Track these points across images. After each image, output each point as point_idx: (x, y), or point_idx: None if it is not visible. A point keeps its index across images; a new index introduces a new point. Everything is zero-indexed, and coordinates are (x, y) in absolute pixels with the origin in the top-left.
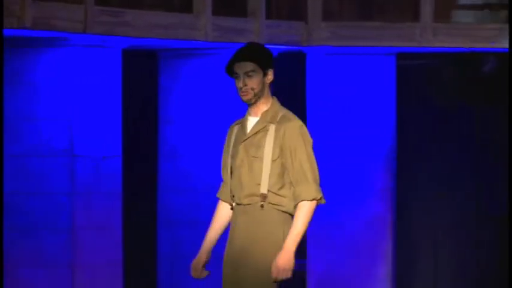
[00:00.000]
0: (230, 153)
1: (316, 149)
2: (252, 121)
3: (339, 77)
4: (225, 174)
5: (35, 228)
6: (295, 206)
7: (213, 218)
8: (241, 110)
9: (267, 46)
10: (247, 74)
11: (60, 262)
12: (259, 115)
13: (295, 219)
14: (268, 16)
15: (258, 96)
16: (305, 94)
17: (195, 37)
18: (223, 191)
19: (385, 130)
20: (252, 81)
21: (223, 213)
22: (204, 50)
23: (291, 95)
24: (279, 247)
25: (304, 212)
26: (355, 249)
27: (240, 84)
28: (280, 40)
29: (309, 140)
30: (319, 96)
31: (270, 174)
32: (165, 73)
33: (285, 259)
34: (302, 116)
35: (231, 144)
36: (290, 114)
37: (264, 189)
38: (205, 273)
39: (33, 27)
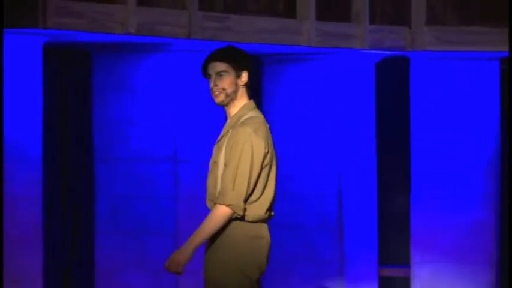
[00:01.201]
0: None
1: (419, 153)
2: (226, 124)
3: (443, 81)
4: None
5: (140, 233)
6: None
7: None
8: (345, 115)
9: (371, 51)
10: (218, 74)
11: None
12: (229, 119)
13: (205, 220)
14: (372, 21)
15: (230, 98)
16: (409, 99)
17: (298, 42)
18: None
19: (488, 135)
20: (223, 82)
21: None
22: (307, 55)
23: (395, 100)
24: (229, 252)
25: (213, 215)
26: (459, 254)
27: (211, 84)
28: (383, 45)
29: (251, 149)
30: (423, 101)
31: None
32: (268, 78)
33: (179, 253)
34: (406, 121)
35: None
36: (250, 120)
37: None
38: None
39: (137, 33)
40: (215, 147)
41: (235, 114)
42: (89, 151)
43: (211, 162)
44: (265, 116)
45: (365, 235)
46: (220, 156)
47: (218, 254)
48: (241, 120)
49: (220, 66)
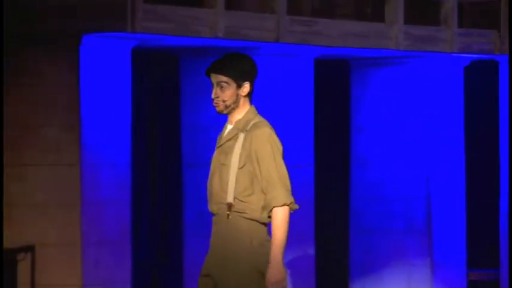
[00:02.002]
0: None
1: (508, 156)
2: (228, 129)
3: None
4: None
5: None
6: (269, 215)
7: None
8: (434, 118)
9: (459, 55)
10: (219, 85)
11: None
12: (234, 123)
13: (272, 229)
14: (460, 24)
15: (231, 108)
16: (497, 102)
17: (386, 46)
18: None
19: None
20: (224, 94)
21: None
22: (395, 58)
23: (483, 103)
24: (249, 254)
25: (278, 220)
26: None
27: (212, 94)
28: (471, 49)
29: (278, 147)
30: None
31: (237, 182)
32: (356, 82)
33: (274, 272)
34: (494, 124)
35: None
36: (262, 123)
37: (229, 198)
38: None
39: (225, 37)
40: (218, 150)
41: (241, 119)
42: (177, 155)
43: (215, 164)
44: (353, 120)
45: (454, 238)
46: (231, 159)
47: (239, 258)
48: (251, 123)
49: (221, 78)
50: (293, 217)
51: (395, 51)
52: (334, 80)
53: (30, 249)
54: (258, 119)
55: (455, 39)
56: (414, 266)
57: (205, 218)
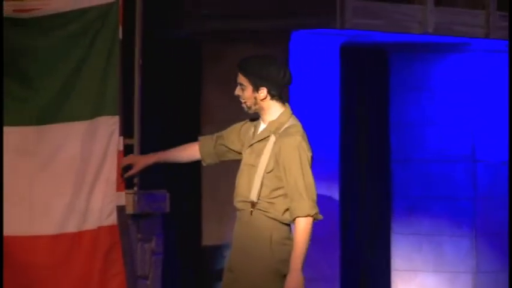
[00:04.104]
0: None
1: None
2: (261, 127)
3: None
4: (220, 135)
5: (437, 234)
6: (292, 221)
7: (180, 147)
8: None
9: None
10: (240, 85)
11: (462, 268)
12: (267, 123)
13: (294, 238)
14: None
15: (254, 108)
16: None
17: None
18: (207, 140)
19: None
20: (243, 94)
21: (189, 148)
22: None
23: None
24: (268, 251)
25: (300, 230)
26: None
27: (235, 91)
28: None
29: (307, 157)
30: None
31: (263, 185)
32: None
33: (293, 280)
34: None
35: (246, 140)
36: (293, 128)
37: (253, 197)
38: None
39: (435, 33)
40: (249, 150)
41: (275, 120)
42: (386, 152)
43: (245, 163)
44: None
45: (497, 238)
46: (260, 161)
47: (258, 254)
48: (283, 127)
49: (240, 78)
50: (497, 214)
51: None
52: None
53: None
54: (292, 122)
55: None
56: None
57: (414, 215)
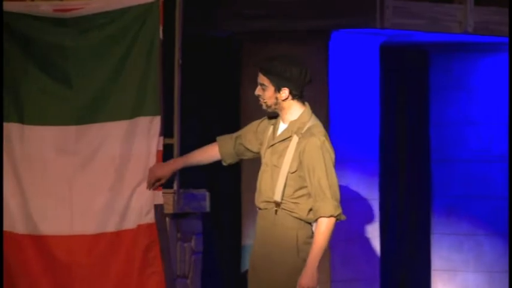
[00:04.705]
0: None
1: None
2: (281, 127)
3: None
4: (238, 134)
5: (476, 233)
6: (315, 220)
7: (199, 150)
8: None
9: None
10: (261, 85)
11: (502, 267)
12: (288, 123)
13: (315, 236)
14: None
15: (274, 108)
16: None
17: None
18: (226, 140)
19: None
20: (264, 94)
21: (209, 150)
22: None
23: None
24: (294, 250)
25: (322, 229)
26: None
27: (256, 91)
28: None
29: (330, 157)
30: None
31: (287, 185)
32: None
33: (307, 277)
34: None
35: (265, 139)
36: (316, 128)
37: (277, 197)
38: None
39: (474, 32)
40: (270, 150)
41: (296, 120)
42: (426, 151)
43: (266, 163)
44: None
45: None
46: (284, 161)
47: (284, 253)
48: (305, 127)
49: (262, 78)
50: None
51: None
52: None
53: None
54: (313, 121)
55: None
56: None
57: (453, 215)
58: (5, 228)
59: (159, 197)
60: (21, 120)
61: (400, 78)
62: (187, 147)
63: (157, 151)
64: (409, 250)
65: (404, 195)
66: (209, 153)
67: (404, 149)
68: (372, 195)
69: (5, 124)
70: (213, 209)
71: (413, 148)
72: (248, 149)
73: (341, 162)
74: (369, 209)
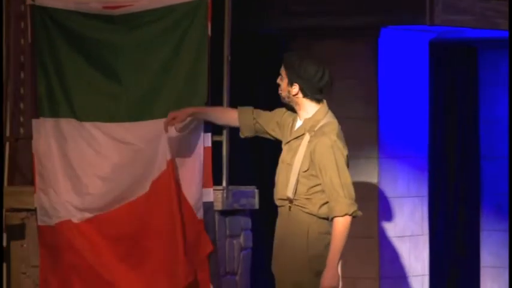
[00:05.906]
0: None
1: None
2: (298, 124)
3: None
4: (258, 114)
5: None
6: (331, 220)
7: (219, 108)
8: None
9: None
10: (280, 75)
11: None
12: (302, 120)
13: (332, 236)
14: None
15: (288, 100)
16: None
17: None
18: (247, 112)
19: None
20: (281, 85)
21: (229, 113)
22: None
23: None
24: (304, 246)
25: (338, 228)
26: None
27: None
28: None
29: (342, 155)
30: None
31: (300, 183)
32: None
33: (328, 277)
34: None
35: (284, 134)
36: (328, 127)
37: (290, 194)
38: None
39: None
40: (286, 147)
41: (310, 118)
42: (475, 148)
43: (282, 161)
44: None
45: None
46: (295, 159)
47: (295, 248)
48: (319, 125)
49: (282, 69)
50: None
51: None
52: None
53: None
54: (327, 119)
55: None
56: None
57: (503, 212)
58: (65, 218)
59: (209, 194)
60: (75, 116)
61: (449, 74)
62: (236, 145)
63: (206, 148)
64: (458, 247)
65: (453, 191)
66: (228, 115)
67: (454, 146)
68: (421, 192)
69: (58, 120)
70: (262, 205)
71: (463, 145)
72: (269, 134)
73: (390, 159)
74: (418, 205)
